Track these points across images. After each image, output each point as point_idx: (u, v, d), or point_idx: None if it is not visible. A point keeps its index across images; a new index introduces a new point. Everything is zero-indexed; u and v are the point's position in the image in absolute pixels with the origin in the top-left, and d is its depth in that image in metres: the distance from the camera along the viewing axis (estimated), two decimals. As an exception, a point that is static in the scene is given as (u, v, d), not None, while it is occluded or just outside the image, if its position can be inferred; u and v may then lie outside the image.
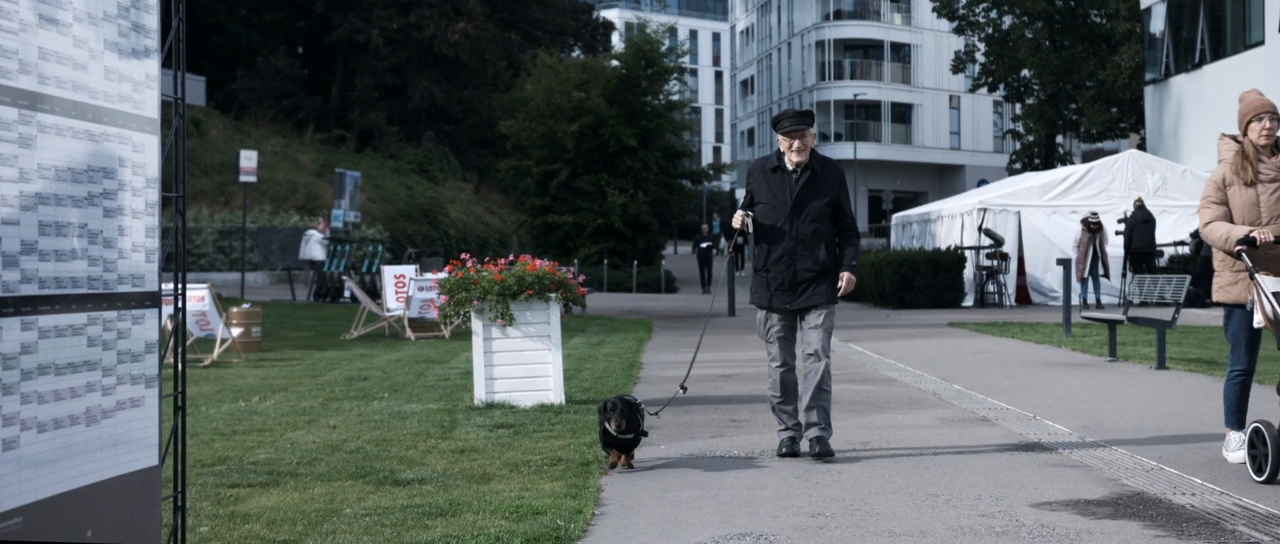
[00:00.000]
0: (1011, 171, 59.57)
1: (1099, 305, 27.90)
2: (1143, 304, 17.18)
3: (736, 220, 9.15)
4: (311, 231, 36.91)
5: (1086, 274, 28.96)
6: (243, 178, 34.14)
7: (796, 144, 9.06)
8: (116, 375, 5.53)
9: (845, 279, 9.03)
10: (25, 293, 4.85)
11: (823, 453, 8.83)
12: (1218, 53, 38.85)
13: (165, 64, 6.14)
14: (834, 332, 9.34)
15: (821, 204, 9.06)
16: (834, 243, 9.17)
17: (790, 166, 9.12)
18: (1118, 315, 16.61)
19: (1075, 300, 24.61)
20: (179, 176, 6.32)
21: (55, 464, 5.02)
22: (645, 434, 8.77)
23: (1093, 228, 28.80)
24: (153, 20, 5.92)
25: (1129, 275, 27.08)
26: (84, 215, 5.29)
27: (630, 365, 15.97)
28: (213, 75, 54.99)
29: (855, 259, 9.16)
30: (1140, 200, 28.57)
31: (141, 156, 5.79)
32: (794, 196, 9.05)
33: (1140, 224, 28.09)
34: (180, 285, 6.34)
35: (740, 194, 55.29)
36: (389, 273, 23.15)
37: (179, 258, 6.26)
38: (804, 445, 9.06)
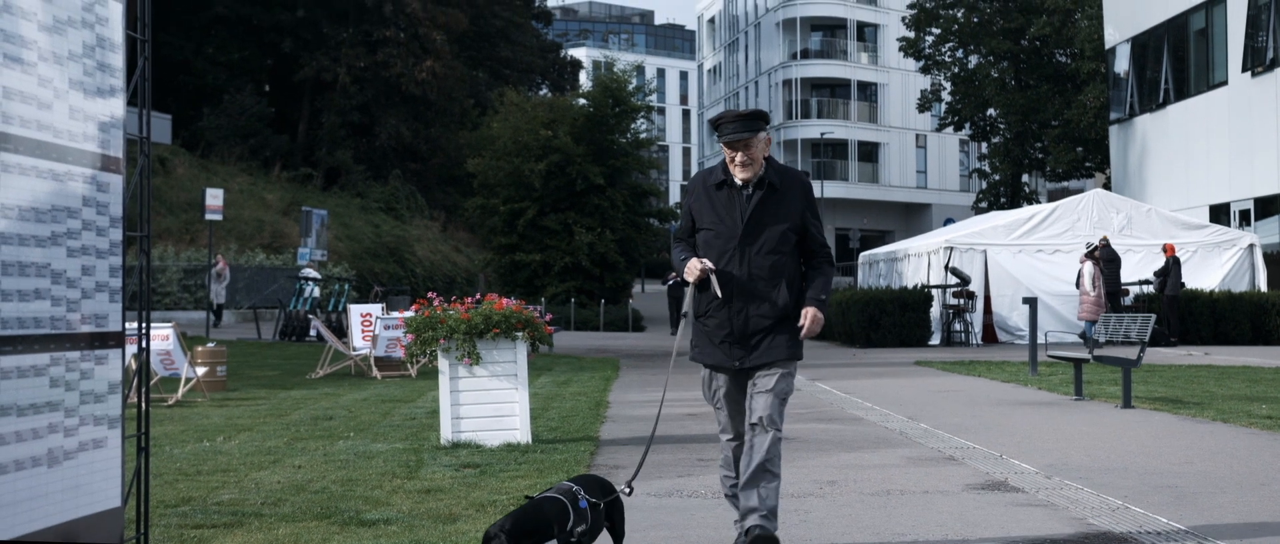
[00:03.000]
0: (978, 210, 59.88)
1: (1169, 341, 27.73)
2: (1108, 343, 17.22)
3: (692, 271, 7.00)
4: (307, 270, 37.00)
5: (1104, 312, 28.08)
6: (208, 216, 34.00)
7: (741, 156, 6.95)
8: (79, 416, 5.49)
9: (808, 317, 6.95)
10: (-13, 333, 4.81)
11: None
12: (1181, 93, 39.18)
13: (131, 102, 6.12)
14: (789, 396, 7.15)
15: (782, 229, 7.02)
16: (798, 279, 7.10)
17: (739, 182, 7.04)
18: (1083, 354, 16.65)
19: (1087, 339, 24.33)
20: (143, 215, 6.29)
21: (16, 506, 4.97)
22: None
23: (1100, 258, 28.09)
24: (118, 59, 5.90)
25: (1094, 314, 27.12)
26: (47, 255, 5.25)
27: (597, 404, 15.93)
28: (179, 113, 54.81)
29: (824, 292, 7.10)
30: (1106, 239, 28.70)
31: (106, 196, 5.76)
32: (745, 221, 6.99)
33: (1106, 263, 28.20)
34: (144, 324, 6.30)
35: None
36: (355, 311, 23.07)
37: (143, 297, 6.22)
38: (734, 532, 7.20)
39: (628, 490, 6.89)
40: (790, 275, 7.05)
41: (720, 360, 7.08)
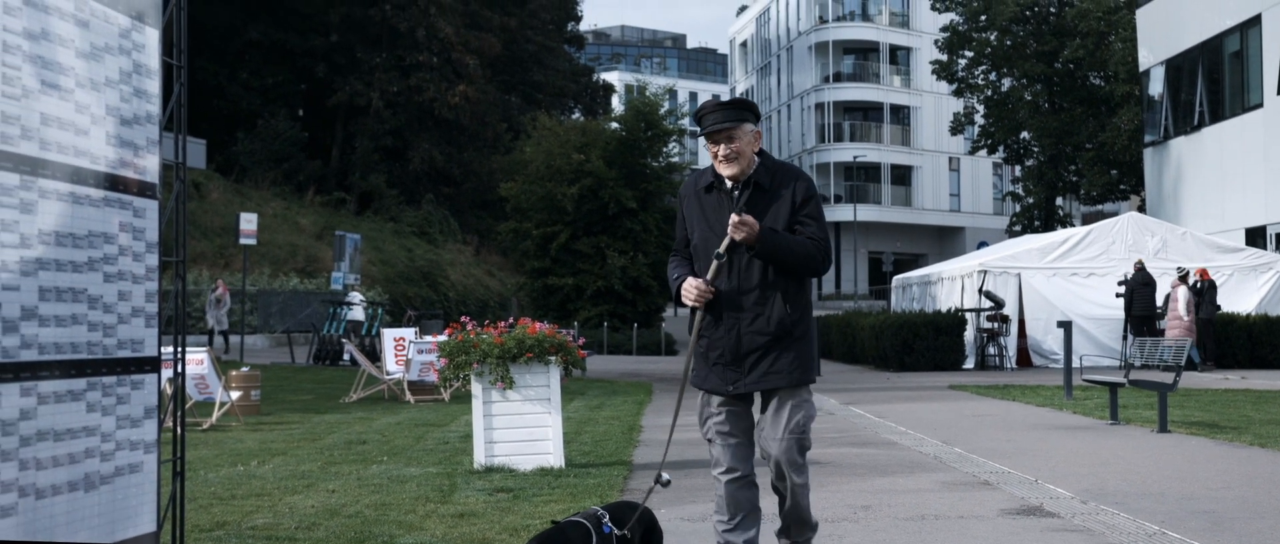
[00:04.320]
0: (1011, 233, 59.70)
1: (1204, 364, 27.48)
2: (1144, 367, 17.11)
3: (690, 295, 6.29)
4: (355, 293, 37.19)
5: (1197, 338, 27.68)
6: (243, 240, 34.12)
7: (723, 148, 6.26)
8: (115, 441, 5.51)
9: (739, 220, 6.07)
10: (25, 359, 4.84)
11: None
12: (1217, 115, 38.99)
13: (167, 128, 6.15)
14: (809, 427, 6.40)
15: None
16: (799, 291, 6.37)
17: (728, 183, 6.36)
18: (1119, 378, 16.57)
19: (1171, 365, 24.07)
20: (179, 240, 6.32)
21: (54, 530, 4.99)
22: None
23: (1192, 283, 27.82)
24: (154, 85, 5.93)
25: (1130, 338, 27.00)
26: (84, 281, 5.28)
27: (630, 429, 15.90)
28: (213, 138, 55.16)
29: (781, 235, 6.20)
30: (1140, 263, 28.56)
31: (142, 221, 5.78)
32: None
33: (1140, 287, 28.06)
34: (180, 349, 6.33)
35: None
36: (388, 336, 23.11)
37: (179, 322, 6.25)
38: None
39: (665, 481, 6.47)
40: (787, 286, 6.29)
41: (715, 385, 6.37)
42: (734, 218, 6.05)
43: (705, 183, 6.43)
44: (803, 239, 6.24)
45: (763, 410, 6.40)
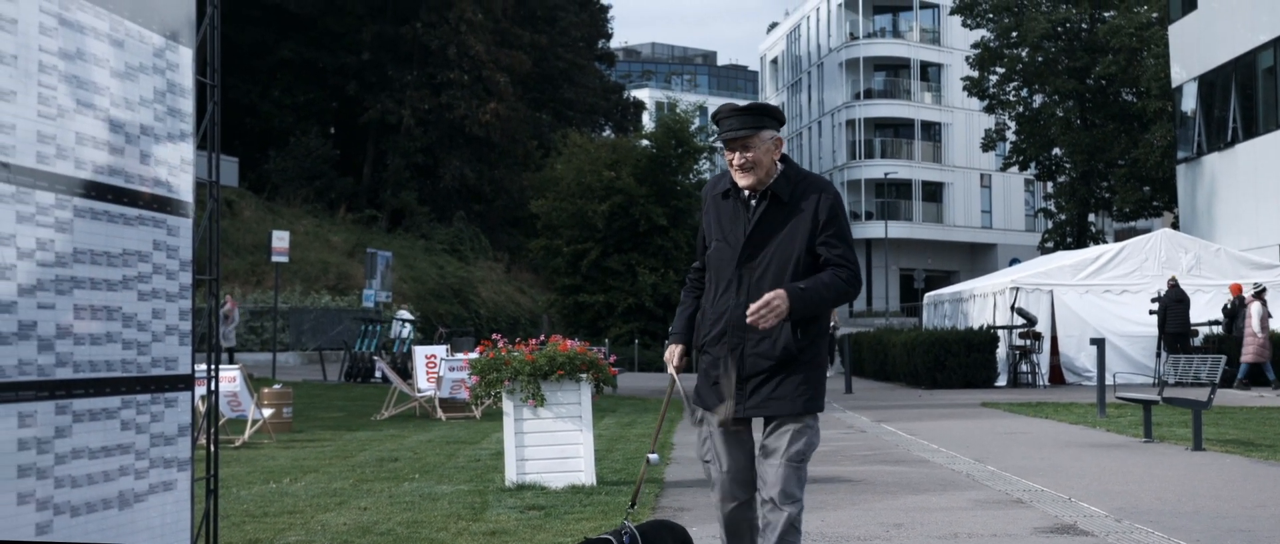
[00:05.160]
0: (1044, 250, 59.46)
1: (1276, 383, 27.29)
2: (1178, 384, 17.02)
3: (671, 361, 6.25)
4: (404, 311, 37.41)
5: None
6: (274, 258, 34.27)
7: (739, 156, 5.85)
8: (149, 459, 5.53)
9: (766, 298, 5.64)
10: (60, 377, 4.86)
11: None
12: (1250, 131, 38.79)
13: (200, 146, 6.18)
14: (808, 457, 6.00)
15: (788, 251, 5.86)
16: (812, 317, 5.90)
17: (746, 192, 5.96)
18: (1152, 396, 16.48)
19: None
20: (212, 258, 6.34)
21: (87, 549, 5.00)
22: None
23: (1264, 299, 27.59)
24: (188, 104, 5.96)
25: (1164, 355, 26.86)
26: (118, 299, 5.30)
27: (662, 446, 15.89)
28: (245, 156, 55.43)
29: (811, 285, 5.75)
30: (1174, 280, 28.42)
31: (175, 240, 5.81)
32: (745, 237, 5.91)
33: (1174, 304, 27.91)
34: (213, 366, 6.35)
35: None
36: (420, 353, 23.15)
37: (212, 339, 6.27)
38: None
39: (654, 458, 6.37)
40: None
41: (712, 403, 6.01)
42: (750, 317, 5.66)
43: (723, 188, 6.04)
44: (830, 276, 5.81)
45: (764, 435, 5.99)
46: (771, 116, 5.93)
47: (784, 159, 6.00)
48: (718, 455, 6.00)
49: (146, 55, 5.63)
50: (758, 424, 6.13)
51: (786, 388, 5.82)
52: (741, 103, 6.05)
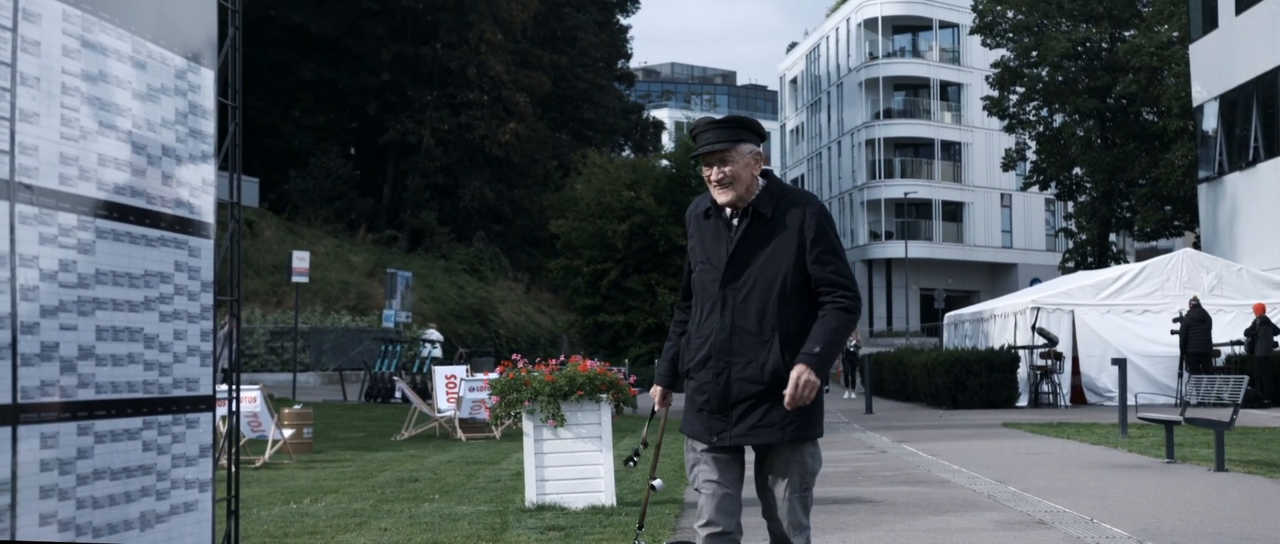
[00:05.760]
0: (1064, 270, 59.30)
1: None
2: (1200, 404, 16.94)
3: (655, 402, 6.15)
4: (432, 330, 37.54)
5: None
6: (295, 278, 34.33)
7: (717, 171, 5.61)
8: (171, 480, 5.53)
9: (792, 379, 5.37)
10: (82, 398, 4.87)
11: None
12: (1271, 150, 38.69)
13: (221, 167, 6.20)
14: (812, 484, 5.70)
15: (773, 269, 5.57)
16: (802, 335, 5.54)
17: (728, 211, 5.70)
18: (1174, 416, 16.41)
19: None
20: (234, 279, 6.36)
21: (108, 570, 5.01)
22: None
23: None
24: (210, 126, 5.98)
25: (1186, 375, 26.76)
26: (141, 320, 5.31)
27: (682, 466, 15.84)
28: (266, 176, 55.58)
29: (822, 342, 5.46)
30: (1196, 300, 28.31)
31: (197, 261, 5.82)
32: (728, 257, 5.63)
33: (1196, 324, 27.81)
34: (234, 387, 6.36)
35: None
36: (440, 373, 23.16)
37: (234, 360, 6.28)
38: None
39: (658, 483, 6.19)
40: (788, 330, 5.53)
41: (699, 433, 5.67)
42: (788, 400, 5.38)
43: (704, 207, 5.77)
44: (832, 317, 5.53)
45: (758, 464, 5.67)
46: (750, 130, 5.67)
47: (766, 174, 5.72)
48: (705, 481, 5.64)
49: (168, 77, 5.64)
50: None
51: (775, 415, 5.48)
52: (718, 116, 5.88)
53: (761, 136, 5.72)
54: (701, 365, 5.60)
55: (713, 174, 5.58)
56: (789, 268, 5.52)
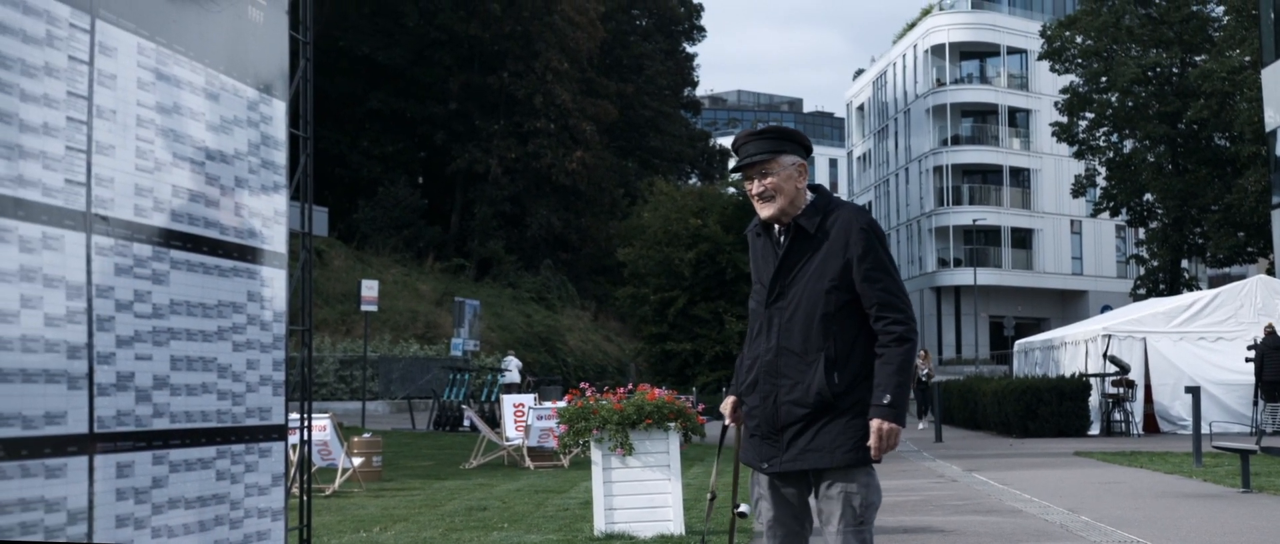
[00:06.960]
0: (1136, 297, 58.77)
1: None
2: (1276, 433, 16.72)
3: (726, 413, 5.71)
4: (510, 359, 37.80)
5: None
6: (364, 307, 34.53)
7: (757, 184, 5.41)
8: (244, 508, 5.56)
9: (872, 433, 5.17)
10: (157, 427, 4.90)
11: None
12: (1346, 175, 38.19)
13: (293, 197, 6.24)
14: (870, 516, 5.38)
15: (817, 286, 5.30)
16: (850, 354, 5.30)
17: (777, 227, 5.47)
18: (1250, 445, 16.19)
19: None
20: (305, 308, 6.39)
21: (182, 598, 5.04)
22: None
23: None
24: (281, 157, 6.02)
25: (1261, 404, 26.43)
26: (214, 350, 5.35)
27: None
28: (335, 205, 55.95)
29: (890, 390, 5.20)
30: (1271, 327, 27.95)
31: (270, 290, 5.86)
32: (773, 275, 5.41)
33: (1271, 351, 27.44)
34: (306, 416, 6.39)
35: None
36: (508, 401, 23.20)
37: (305, 389, 6.31)
38: None
39: (744, 508, 5.83)
40: (835, 350, 5.27)
41: (752, 459, 5.49)
42: (873, 451, 5.19)
43: (757, 227, 5.56)
44: (891, 355, 5.24)
45: (814, 493, 5.41)
46: (793, 140, 5.46)
47: (815, 188, 5.50)
48: (766, 520, 5.49)
49: (241, 108, 5.69)
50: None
51: (825, 438, 5.23)
52: (765, 124, 5.64)
53: (806, 148, 5.52)
54: (751, 388, 5.42)
55: (754, 187, 5.38)
56: (834, 285, 5.27)
